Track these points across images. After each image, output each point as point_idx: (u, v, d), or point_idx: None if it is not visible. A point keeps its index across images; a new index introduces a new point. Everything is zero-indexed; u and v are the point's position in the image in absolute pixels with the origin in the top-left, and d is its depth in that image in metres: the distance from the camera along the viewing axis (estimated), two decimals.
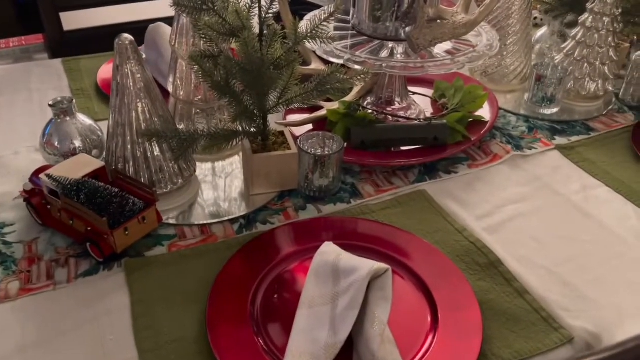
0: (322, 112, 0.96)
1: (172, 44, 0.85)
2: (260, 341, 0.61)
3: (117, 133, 0.77)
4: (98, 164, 0.75)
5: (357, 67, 0.86)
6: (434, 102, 1.07)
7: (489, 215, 0.81)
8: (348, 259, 0.65)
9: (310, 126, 0.97)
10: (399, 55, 0.94)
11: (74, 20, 1.39)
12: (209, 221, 0.79)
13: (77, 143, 0.84)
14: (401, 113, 0.99)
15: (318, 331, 0.59)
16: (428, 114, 1.02)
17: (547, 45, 1.18)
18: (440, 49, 0.95)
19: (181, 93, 0.87)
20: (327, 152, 0.83)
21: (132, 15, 1.51)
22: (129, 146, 0.77)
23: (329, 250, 0.69)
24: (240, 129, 0.81)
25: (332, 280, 0.64)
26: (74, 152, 0.83)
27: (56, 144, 0.83)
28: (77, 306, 0.66)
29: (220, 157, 0.92)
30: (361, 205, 0.83)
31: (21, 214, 0.79)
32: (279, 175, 0.83)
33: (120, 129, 0.77)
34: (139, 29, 1.25)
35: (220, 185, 0.87)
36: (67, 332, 0.63)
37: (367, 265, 0.60)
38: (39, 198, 0.74)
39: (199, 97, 0.87)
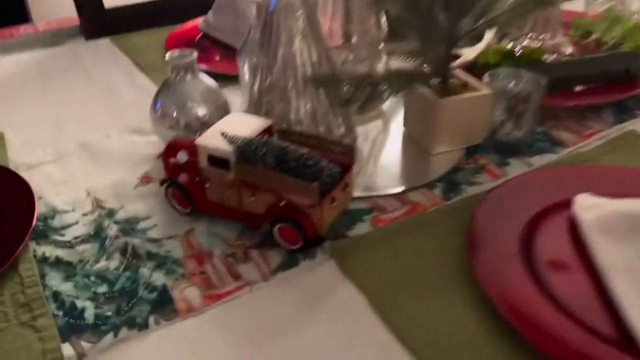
0: (473, 54, 0.80)
1: None
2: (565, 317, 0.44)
3: (274, 86, 0.59)
4: (263, 121, 0.56)
5: None
6: (574, 43, 0.92)
7: None
8: None
9: None
10: None
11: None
12: (402, 188, 0.61)
13: (202, 111, 0.64)
14: None
15: None
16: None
17: None
18: None
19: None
20: (526, 90, 0.66)
21: None
22: (293, 101, 0.59)
23: (598, 202, 0.53)
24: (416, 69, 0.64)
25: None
26: (199, 123, 0.64)
27: (174, 114, 0.64)
28: (295, 308, 0.47)
29: (362, 121, 0.74)
30: (574, 154, 0.66)
31: (151, 203, 0.59)
32: (465, 126, 0.66)
33: (279, 76, 0.58)
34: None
35: (379, 150, 0.69)
36: (294, 338, 0.44)
37: None
38: (189, 175, 0.55)
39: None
